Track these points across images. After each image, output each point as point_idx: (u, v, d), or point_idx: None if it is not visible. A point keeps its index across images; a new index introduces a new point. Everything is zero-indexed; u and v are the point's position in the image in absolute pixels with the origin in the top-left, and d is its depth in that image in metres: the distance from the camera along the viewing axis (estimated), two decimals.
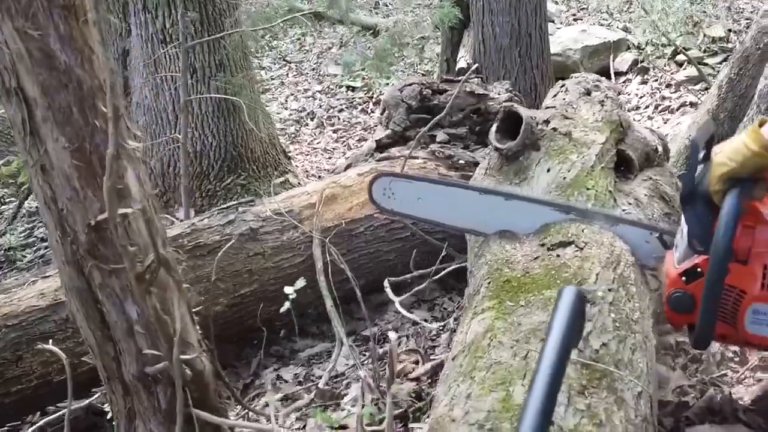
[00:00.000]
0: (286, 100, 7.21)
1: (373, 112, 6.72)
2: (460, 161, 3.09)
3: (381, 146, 3.32)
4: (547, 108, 2.40)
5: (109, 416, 1.90)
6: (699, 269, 1.53)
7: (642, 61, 6.22)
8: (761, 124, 1.41)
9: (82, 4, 1.34)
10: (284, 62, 8.28)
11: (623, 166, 2.29)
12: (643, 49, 6.42)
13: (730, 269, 1.49)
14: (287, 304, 2.07)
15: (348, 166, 3.31)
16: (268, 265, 2.57)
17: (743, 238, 1.51)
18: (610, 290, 1.57)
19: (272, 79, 7.86)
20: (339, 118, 6.75)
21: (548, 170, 2.07)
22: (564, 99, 2.44)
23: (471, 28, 4.56)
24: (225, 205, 2.71)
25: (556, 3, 8.08)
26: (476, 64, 4.01)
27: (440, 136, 3.26)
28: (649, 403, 1.35)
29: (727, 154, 1.47)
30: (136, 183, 1.47)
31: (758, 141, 1.40)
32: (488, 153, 2.30)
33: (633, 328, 1.50)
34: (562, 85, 2.57)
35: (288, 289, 2.03)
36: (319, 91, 7.38)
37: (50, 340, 1.95)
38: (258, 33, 4.49)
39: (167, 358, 1.49)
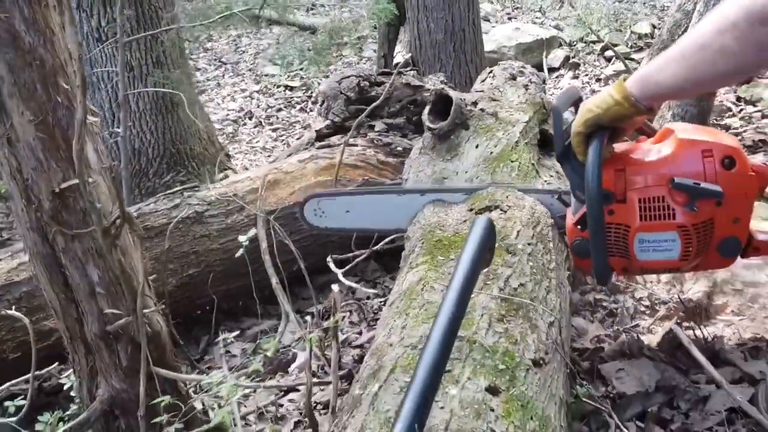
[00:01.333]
0: (224, 101, 7.34)
1: (311, 110, 6.88)
2: (398, 148, 3.28)
3: (321, 136, 3.49)
4: (476, 91, 2.64)
5: (65, 388, 2.07)
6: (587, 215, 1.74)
7: (573, 57, 6.54)
8: (625, 79, 1.62)
9: None
10: (220, 63, 8.41)
11: (547, 144, 2.53)
12: (574, 46, 6.75)
13: (613, 210, 1.73)
14: (241, 250, 2.23)
15: (289, 155, 3.48)
16: (214, 246, 2.73)
17: (617, 181, 1.74)
18: (529, 244, 1.81)
19: (208, 80, 7.98)
20: (278, 117, 6.90)
21: (477, 146, 2.30)
22: (491, 83, 2.69)
23: (407, 25, 4.73)
24: (171, 191, 2.86)
25: (491, 2, 8.41)
26: (410, 55, 4.22)
27: (379, 125, 3.45)
28: (560, 332, 1.59)
29: (594, 102, 1.66)
30: (95, 155, 1.65)
31: (621, 92, 1.59)
32: (424, 135, 2.53)
33: (548, 274, 1.74)
34: (490, 71, 2.82)
35: (242, 238, 2.20)
36: (257, 91, 7.52)
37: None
38: (195, 31, 4.61)
39: (129, 313, 1.66)
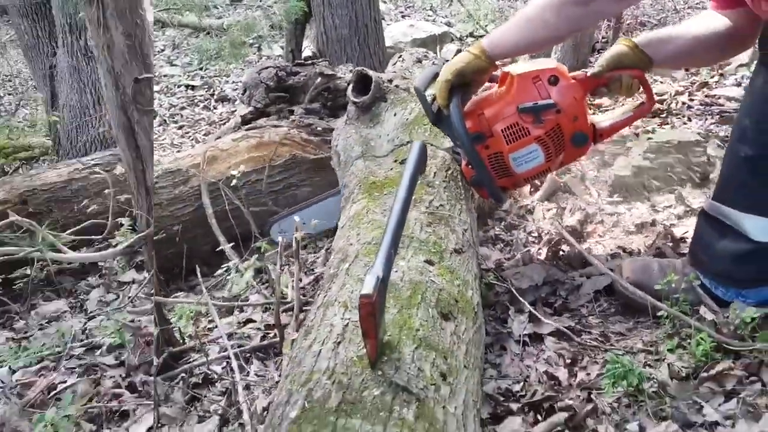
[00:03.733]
0: None
1: (215, 108, 7.24)
2: (318, 128, 3.72)
3: (245, 121, 3.95)
4: (390, 72, 3.21)
5: None
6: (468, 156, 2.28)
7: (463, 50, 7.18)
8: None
9: None
10: None
11: None
12: (464, 41, 7.40)
13: (488, 144, 2.26)
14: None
15: (218, 138, 3.96)
16: (164, 213, 3.19)
17: (482, 122, 2.26)
18: (443, 181, 2.37)
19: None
20: (182, 116, 7.17)
21: (395, 114, 2.83)
22: (402, 66, 3.27)
23: (313, 21, 5.18)
24: None
25: (385, 2, 8.98)
26: (318, 49, 4.65)
27: (298, 110, 3.91)
28: (471, 236, 2.18)
29: (458, 58, 2.22)
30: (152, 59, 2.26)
31: (479, 49, 2.19)
32: (347, 109, 3.07)
33: (460, 201, 2.31)
34: (400, 56, 3.40)
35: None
36: (158, 92, 7.80)
37: None
38: None
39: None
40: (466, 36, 7.42)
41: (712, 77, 4.45)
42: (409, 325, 1.50)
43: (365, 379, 1.31)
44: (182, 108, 7.42)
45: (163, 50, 9.13)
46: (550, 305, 2.27)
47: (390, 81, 3.03)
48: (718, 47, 2.22)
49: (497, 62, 2.23)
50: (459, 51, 7.23)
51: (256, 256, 2.61)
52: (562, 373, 1.90)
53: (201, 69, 7.95)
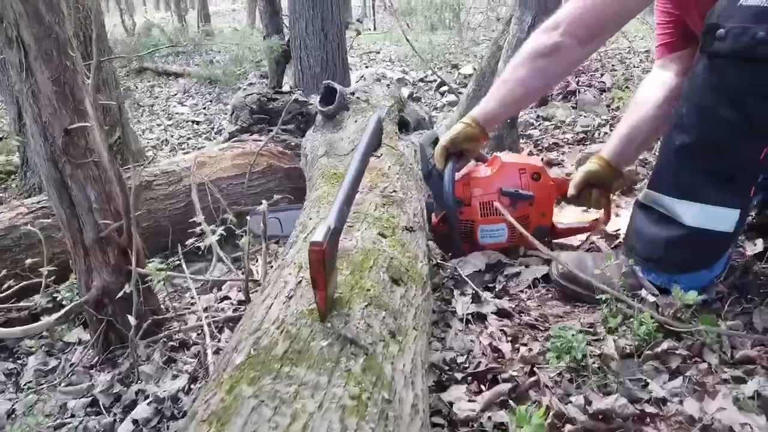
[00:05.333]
0: (143, 133, 7.30)
1: (215, 139, 6.98)
2: (291, 143, 3.50)
3: (232, 137, 3.69)
4: (352, 87, 2.91)
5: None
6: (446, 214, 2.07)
7: (416, 93, 6.97)
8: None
9: None
10: (138, 106, 8.35)
11: (404, 126, 2.83)
12: (416, 85, 7.18)
13: (463, 211, 2.07)
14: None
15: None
16: (160, 206, 2.87)
17: (465, 191, 2.09)
18: (397, 174, 2.07)
19: (129, 118, 7.92)
20: (188, 145, 6.93)
21: (356, 121, 2.56)
22: (363, 83, 2.97)
23: (293, 61, 4.95)
24: (125, 167, 2.99)
25: (353, 57, 8.78)
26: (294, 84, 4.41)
27: (276, 129, 3.68)
28: (422, 218, 1.87)
29: (454, 129, 2.02)
30: (91, 107, 1.81)
31: (470, 118, 1.98)
32: (315, 119, 2.77)
33: (411, 190, 2.00)
34: (362, 76, 3.11)
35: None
36: (170, 125, 7.53)
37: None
38: (128, 69, 4.71)
39: (124, 218, 1.82)
40: (417, 81, 7.18)
41: None
42: (360, 285, 1.17)
43: (314, 331, 0.98)
44: (188, 138, 7.15)
45: (176, 94, 8.82)
46: (491, 290, 1.94)
47: (353, 93, 2.75)
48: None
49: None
50: (411, 94, 7.12)
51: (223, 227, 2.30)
52: (505, 347, 1.56)
53: (204, 108, 7.62)
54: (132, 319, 1.75)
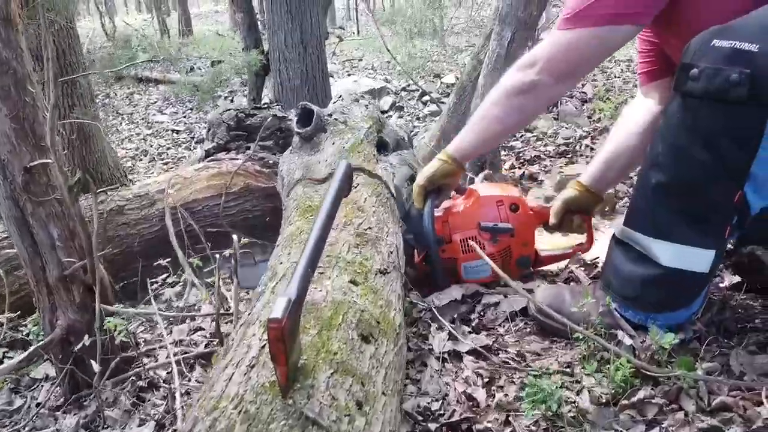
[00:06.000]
0: (122, 143, 7.22)
1: (194, 148, 6.91)
2: (270, 162, 3.43)
3: (209, 155, 3.61)
4: (330, 108, 2.86)
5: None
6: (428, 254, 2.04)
7: (398, 102, 6.93)
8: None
9: (15, 18, 1.61)
10: (117, 114, 8.26)
11: (383, 147, 2.78)
12: (398, 94, 7.14)
13: (445, 249, 2.04)
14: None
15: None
16: (132, 231, 2.79)
17: (444, 229, 2.06)
18: (373, 206, 2.00)
19: (108, 127, 7.82)
20: (167, 154, 6.87)
21: (333, 143, 2.49)
22: (341, 104, 2.91)
23: (271, 73, 4.87)
24: (98, 190, 2.92)
25: (335, 63, 8.73)
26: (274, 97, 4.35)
27: (253, 146, 3.61)
28: (397, 258, 1.80)
29: (430, 165, 1.99)
30: (51, 145, 1.74)
31: (446, 155, 1.95)
32: (293, 140, 2.71)
33: (387, 224, 1.94)
34: (339, 96, 3.05)
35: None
36: (149, 134, 7.45)
37: None
38: (105, 77, 4.62)
39: (86, 257, 1.75)
40: (400, 90, 7.14)
41: (612, 124, 4.20)
42: (327, 348, 1.11)
43: (274, 410, 0.93)
44: (168, 148, 7.09)
45: (156, 102, 8.73)
46: (468, 322, 1.89)
47: (330, 115, 2.69)
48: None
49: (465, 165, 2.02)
50: (394, 103, 7.07)
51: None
52: (480, 394, 1.51)
53: (184, 117, 7.54)
54: (95, 366, 1.68)
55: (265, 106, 3.89)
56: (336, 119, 2.64)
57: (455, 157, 1.95)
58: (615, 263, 1.64)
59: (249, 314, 1.33)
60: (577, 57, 1.64)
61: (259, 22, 5.16)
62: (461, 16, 10.41)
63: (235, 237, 1.86)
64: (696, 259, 1.48)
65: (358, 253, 1.63)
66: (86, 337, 1.77)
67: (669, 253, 1.49)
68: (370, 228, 1.82)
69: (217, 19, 21.52)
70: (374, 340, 1.24)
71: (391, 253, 1.78)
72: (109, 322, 1.72)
